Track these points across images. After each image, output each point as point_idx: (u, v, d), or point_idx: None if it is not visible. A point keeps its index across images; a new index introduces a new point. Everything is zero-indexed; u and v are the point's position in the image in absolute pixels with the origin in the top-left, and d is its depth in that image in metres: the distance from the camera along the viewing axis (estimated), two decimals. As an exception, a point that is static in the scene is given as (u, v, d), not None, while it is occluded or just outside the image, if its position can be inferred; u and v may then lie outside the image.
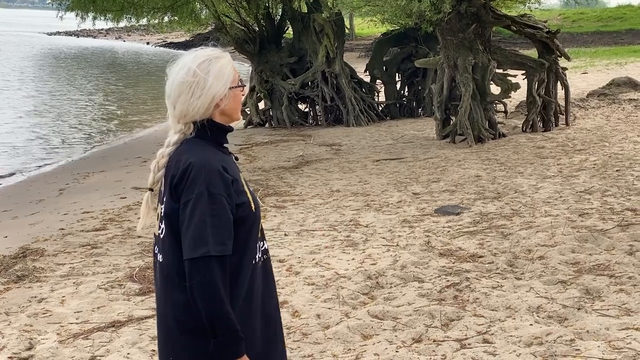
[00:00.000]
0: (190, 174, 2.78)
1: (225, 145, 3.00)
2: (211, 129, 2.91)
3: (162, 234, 2.90)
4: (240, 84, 2.96)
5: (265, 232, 3.10)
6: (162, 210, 2.89)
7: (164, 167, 2.91)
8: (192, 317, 2.79)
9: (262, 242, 3.02)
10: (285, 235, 8.63)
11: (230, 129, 3.00)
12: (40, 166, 16.48)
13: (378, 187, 11.21)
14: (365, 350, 5.24)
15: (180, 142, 2.91)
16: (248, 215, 2.87)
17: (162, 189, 2.92)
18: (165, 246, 2.89)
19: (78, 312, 6.40)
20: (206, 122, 2.90)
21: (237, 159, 3.08)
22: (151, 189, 2.98)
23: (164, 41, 70.46)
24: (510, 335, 5.26)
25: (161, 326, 2.94)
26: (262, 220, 3.06)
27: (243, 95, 3.03)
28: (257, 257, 2.94)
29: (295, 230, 8.84)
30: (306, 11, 20.50)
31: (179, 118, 2.90)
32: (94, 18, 21.87)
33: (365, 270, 6.99)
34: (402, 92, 21.57)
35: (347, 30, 25.28)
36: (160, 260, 2.92)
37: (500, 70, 15.54)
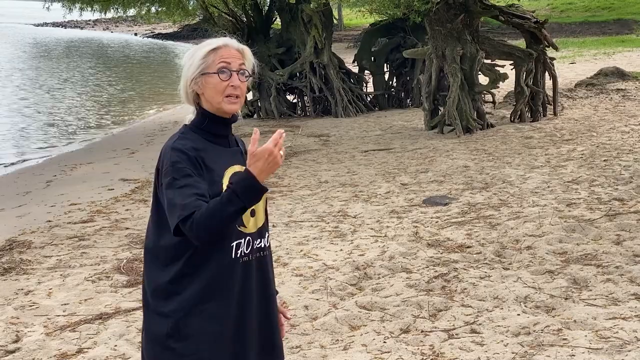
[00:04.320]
0: (163, 160, 2.85)
1: (226, 135, 2.99)
2: (201, 117, 2.94)
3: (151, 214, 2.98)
4: (220, 71, 2.88)
5: None
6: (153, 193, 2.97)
7: None
8: (153, 297, 2.87)
9: (258, 240, 2.98)
10: (274, 226, 8.61)
11: (224, 120, 2.95)
12: (27, 159, 16.40)
13: (366, 177, 11.21)
14: (353, 341, 5.24)
15: (188, 121, 2.97)
16: None
17: None
18: (148, 225, 2.98)
19: (65, 304, 6.38)
20: (198, 108, 2.94)
21: (246, 152, 2.87)
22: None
23: (152, 32, 70.16)
24: (498, 325, 5.27)
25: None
26: (261, 214, 3.03)
27: (231, 85, 2.89)
28: (238, 252, 2.89)
29: (284, 222, 8.83)
30: (294, 2, 20.44)
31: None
32: (81, 9, 21.74)
33: (354, 261, 6.99)
34: (390, 82, 21.53)
35: (335, 21, 25.24)
36: (148, 241, 2.99)
37: (489, 61, 15.54)
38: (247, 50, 2.98)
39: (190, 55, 2.93)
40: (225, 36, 2.99)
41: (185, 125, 2.95)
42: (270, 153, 2.72)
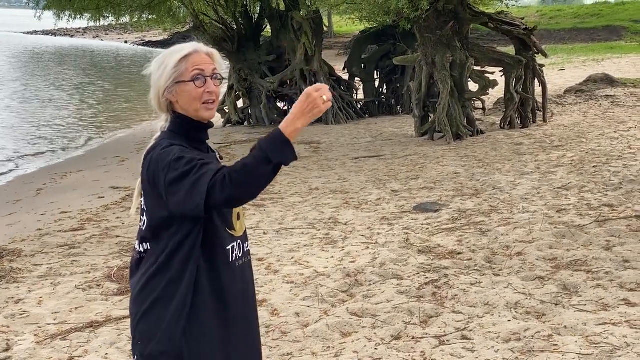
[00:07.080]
0: (158, 165, 2.77)
1: (206, 141, 2.98)
2: (179, 122, 2.90)
3: (143, 225, 2.92)
4: (195, 78, 2.86)
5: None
6: (143, 203, 2.92)
7: None
8: (152, 302, 2.83)
9: (245, 243, 3.01)
10: (264, 233, 8.62)
11: (202, 125, 2.94)
12: (17, 167, 16.35)
13: (357, 184, 11.22)
14: (344, 348, 5.24)
15: (162, 129, 2.92)
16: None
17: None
18: (143, 231, 2.92)
19: (56, 312, 6.36)
20: (172, 113, 2.91)
21: (222, 157, 3.06)
22: None
23: (142, 40, 70.04)
24: (489, 332, 5.28)
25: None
26: (244, 219, 3.04)
27: (207, 92, 2.88)
28: (233, 256, 2.91)
29: (274, 229, 8.83)
30: (284, 9, 20.47)
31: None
32: (71, 17, 21.67)
33: (345, 268, 7.00)
34: (380, 89, 21.59)
35: (325, 28, 25.29)
36: (140, 249, 2.92)
37: (478, 68, 15.58)
38: (216, 53, 2.97)
39: (160, 64, 2.89)
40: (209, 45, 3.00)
41: (164, 132, 2.91)
42: (309, 95, 2.61)
